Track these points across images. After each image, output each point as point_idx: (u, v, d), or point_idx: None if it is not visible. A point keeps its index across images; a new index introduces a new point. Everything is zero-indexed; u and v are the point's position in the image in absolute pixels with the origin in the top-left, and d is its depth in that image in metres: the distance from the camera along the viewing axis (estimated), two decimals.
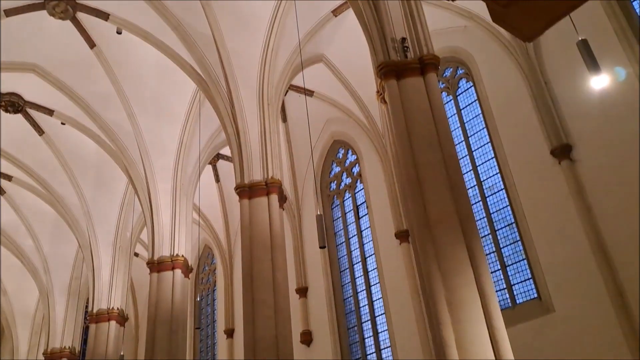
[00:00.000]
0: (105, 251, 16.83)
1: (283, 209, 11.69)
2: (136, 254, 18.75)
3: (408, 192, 7.73)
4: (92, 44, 13.74)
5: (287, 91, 16.13)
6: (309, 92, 16.06)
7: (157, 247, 13.79)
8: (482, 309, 6.68)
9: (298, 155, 17.68)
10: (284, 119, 17.19)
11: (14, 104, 15.34)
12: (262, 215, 10.85)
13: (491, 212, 12.53)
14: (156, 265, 13.51)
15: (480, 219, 12.59)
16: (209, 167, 19.15)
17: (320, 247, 8.90)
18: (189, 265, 14.10)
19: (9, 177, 17.62)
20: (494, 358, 6.32)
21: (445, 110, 8.40)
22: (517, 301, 11.41)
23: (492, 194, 12.67)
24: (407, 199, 7.76)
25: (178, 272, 13.51)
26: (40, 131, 16.16)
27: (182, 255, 13.77)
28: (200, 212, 19.45)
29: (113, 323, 15.85)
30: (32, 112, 15.69)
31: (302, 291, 16.61)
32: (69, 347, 18.37)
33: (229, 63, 12.43)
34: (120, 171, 15.45)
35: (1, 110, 15.36)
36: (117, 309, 16.13)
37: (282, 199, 11.62)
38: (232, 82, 12.33)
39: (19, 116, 15.66)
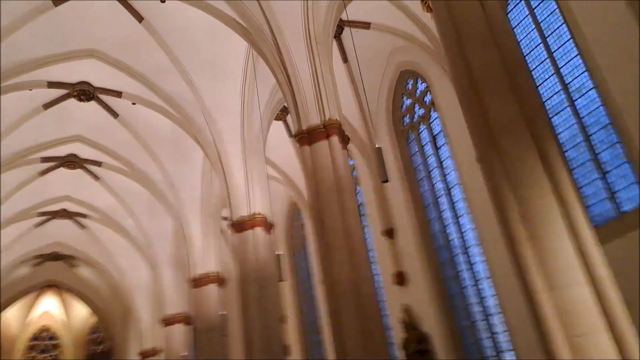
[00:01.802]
0: (194, 219, 17.39)
1: (347, 150, 11.14)
2: (225, 218, 19.22)
3: (464, 103, 6.84)
4: (140, 18, 13.74)
5: (341, 29, 15.36)
6: (364, 25, 15.13)
7: (235, 208, 13.90)
8: (565, 220, 5.78)
9: (366, 93, 16.85)
10: (345, 59, 16.36)
11: (85, 92, 15.92)
12: (324, 159, 10.39)
13: (582, 116, 11.05)
14: (237, 226, 13.65)
15: (571, 126, 11.19)
16: (280, 124, 18.91)
17: (382, 182, 8.30)
18: (270, 222, 14.09)
19: (98, 163, 18.63)
20: (582, 274, 5.46)
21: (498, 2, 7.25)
22: (623, 209, 10.04)
23: (580, 96, 11.15)
24: (466, 111, 6.88)
25: (258, 230, 13.54)
26: (114, 114, 16.75)
27: (260, 213, 13.76)
28: (279, 169, 19.48)
29: (212, 286, 16.47)
30: (103, 97, 16.22)
31: (389, 232, 16.10)
32: (181, 313, 19.53)
33: (269, 9, 11.84)
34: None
35: (76, 100, 16.04)
36: (214, 272, 16.70)
37: (344, 140, 11.04)
38: (276, 28, 11.75)
39: (93, 103, 16.27)
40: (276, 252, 12.09)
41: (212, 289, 16.44)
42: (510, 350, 12.42)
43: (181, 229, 17.47)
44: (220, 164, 14.47)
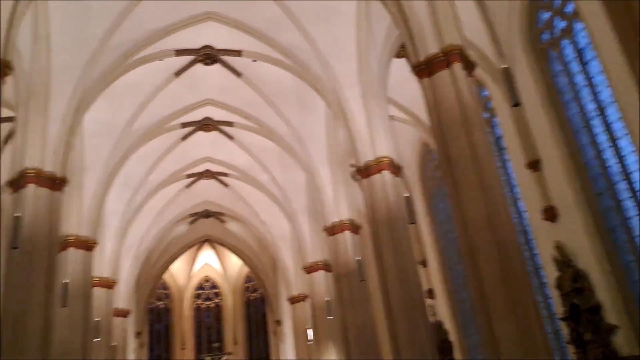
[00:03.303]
0: (323, 169, 17.45)
1: (473, 78, 10.08)
2: (353, 165, 19.03)
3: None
4: None
5: None
6: None
7: (359, 153, 13.57)
8: None
9: (495, 14, 15.11)
10: None
11: (209, 55, 16.44)
12: (446, 90, 9.52)
13: None
14: (363, 171, 13.35)
15: None
16: (403, 62, 17.86)
17: (513, 106, 7.29)
18: (397, 164, 13.56)
19: (230, 124, 19.42)
20: None
21: None
22: None
23: None
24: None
25: (386, 173, 13.10)
26: (237, 74, 17.14)
27: (386, 156, 13.27)
28: (406, 109, 18.61)
29: (347, 233, 16.54)
30: (226, 58, 16.63)
31: (534, 165, 14.57)
32: (321, 260, 20.07)
33: None
34: None
35: (202, 65, 16.66)
36: (348, 219, 16.72)
37: (469, 66, 9.99)
38: None
39: (217, 65, 16.78)
40: (404, 194, 11.58)
41: (347, 235, 16.53)
42: None
43: (313, 179, 17.66)
44: (341, 110, 14.14)
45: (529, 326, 7.73)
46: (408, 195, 11.72)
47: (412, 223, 11.72)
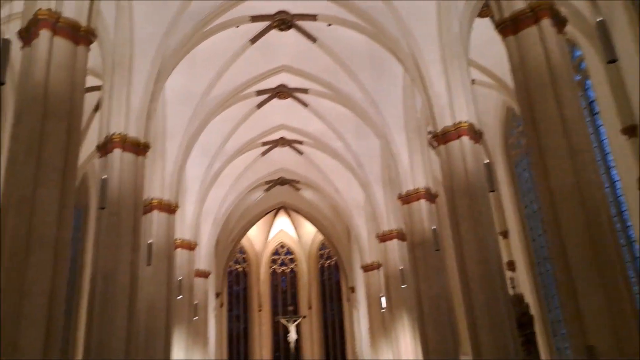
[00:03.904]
0: (399, 136, 17.04)
1: (563, 34, 9.27)
2: (430, 132, 18.45)
3: None
4: None
5: None
6: None
7: (437, 118, 13.04)
8: None
9: None
10: None
11: (284, 20, 16.34)
12: (533, 48, 8.86)
13: None
14: (441, 137, 12.85)
15: None
16: (486, 22, 16.86)
17: (608, 62, 6.61)
18: (478, 130, 12.92)
19: (305, 91, 19.38)
20: None
21: None
22: None
23: None
24: None
25: (464, 139, 12.52)
26: (312, 39, 16.94)
27: (466, 122, 12.67)
28: (490, 72, 17.65)
29: (422, 201, 16.15)
30: (301, 23, 16.46)
31: (631, 130, 13.37)
32: (396, 229, 19.82)
33: None
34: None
35: (277, 31, 16.61)
36: (424, 187, 16.31)
37: (560, 22, 9.21)
38: None
39: (292, 31, 16.67)
40: (484, 162, 11.02)
41: (422, 204, 16.14)
42: None
43: (388, 146, 17.32)
44: (419, 73, 13.59)
45: (619, 302, 7.20)
46: (488, 162, 11.10)
47: (492, 191, 11.14)
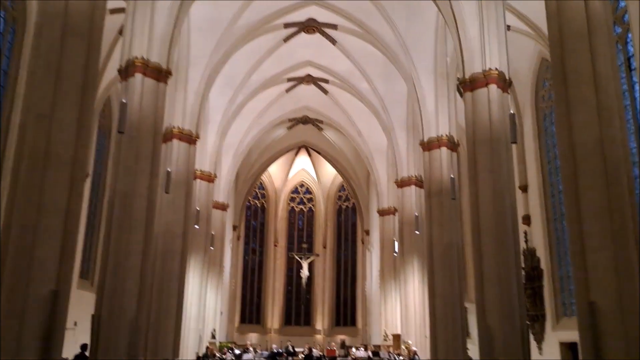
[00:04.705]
0: (427, 80, 16.59)
1: None
2: (459, 79, 17.91)
3: None
4: None
5: None
6: None
7: (467, 63, 12.60)
8: None
9: None
10: None
11: None
12: None
13: None
14: (468, 84, 12.45)
15: None
16: None
17: None
18: (507, 79, 12.47)
19: (334, 26, 18.83)
20: None
21: None
22: None
23: None
24: None
25: (493, 87, 12.13)
26: None
27: (496, 69, 12.22)
28: (528, 20, 16.81)
29: (443, 149, 15.91)
30: None
31: None
32: (415, 175, 19.71)
33: None
34: None
35: None
36: (446, 135, 16.02)
37: None
38: None
39: None
40: (510, 112, 10.67)
41: (443, 152, 15.91)
42: None
43: (414, 90, 16.90)
44: (453, 16, 13.00)
45: (627, 261, 7.10)
46: (514, 113, 10.75)
47: (514, 142, 10.86)
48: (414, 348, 17.54)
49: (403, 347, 18.56)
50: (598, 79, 7.86)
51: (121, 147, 11.44)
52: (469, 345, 14.95)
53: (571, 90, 7.88)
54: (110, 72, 16.02)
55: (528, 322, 12.03)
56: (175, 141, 15.67)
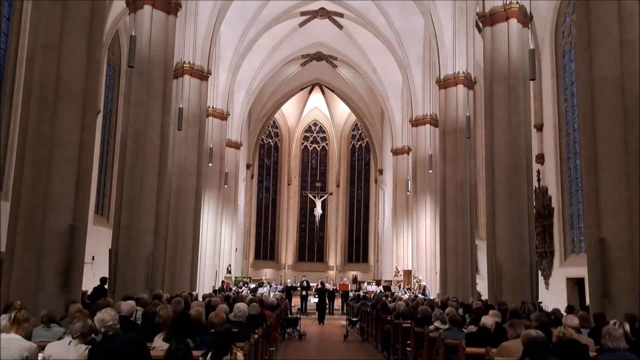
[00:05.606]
0: (445, 14, 16.00)
1: None
2: (478, 13, 17.21)
3: None
4: None
5: None
6: None
7: None
8: None
9: None
10: None
11: None
12: None
13: None
14: (488, 18, 11.99)
15: None
16: None
17: None
18: (529, 13, 11.95)
19: None
20: None
21: None
22: None
23: None
24: None
25: (513, 21, 11.70)
26: None
27: (517, 2, 11.70)
28: None
29: (460, 87, 15.58)
30: None
31: None
32: (430, 114, 19.41)
33: None
34: None
35: None
36: (463, 72, 15.62)
37: None
38: None
39: None
40: (530, 48, 10.28)
41: (459, 90, 15.59)
42: None
43: (432, 26, 16.32)
44: None
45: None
46: (533, 49, 10.36)
47: (532, 79, 10.54)
48: (423, 283, 17.94)
49: (414, 282, 18.99)
50: (622, 11, 7.48)
51: (132, 83, 11.33)
52: (477, 281, 15.25)
53: (594, 24, 7.53)
54: (118, 5, 15.63)
55: (537, 259, 12.15)
56: (186, 77, 15.49)
